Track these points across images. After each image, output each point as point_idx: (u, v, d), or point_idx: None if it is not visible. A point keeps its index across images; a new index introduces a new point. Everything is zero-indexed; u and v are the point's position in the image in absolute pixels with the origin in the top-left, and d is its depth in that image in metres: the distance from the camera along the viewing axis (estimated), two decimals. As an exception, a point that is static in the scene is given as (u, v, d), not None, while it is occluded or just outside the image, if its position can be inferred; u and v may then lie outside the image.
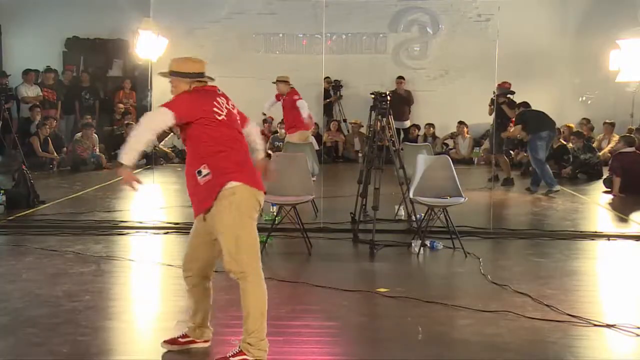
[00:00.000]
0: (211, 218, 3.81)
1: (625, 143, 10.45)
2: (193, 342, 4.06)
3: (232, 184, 3.77)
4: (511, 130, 10.60)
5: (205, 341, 4.09)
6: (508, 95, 10.62)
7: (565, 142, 12.34)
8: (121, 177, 3.82)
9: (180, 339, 4.06)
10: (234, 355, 3.78)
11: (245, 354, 3.77)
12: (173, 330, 4.33)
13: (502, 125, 10.61)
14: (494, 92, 10.41)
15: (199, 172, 3.80)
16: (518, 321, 4.58)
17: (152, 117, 3.83)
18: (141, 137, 3.74)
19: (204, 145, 3.80)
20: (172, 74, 3.92)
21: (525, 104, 10.37)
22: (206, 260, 3.98)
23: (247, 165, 3.90)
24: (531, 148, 10.08)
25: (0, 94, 10.88)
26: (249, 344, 3.78)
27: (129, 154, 3.73)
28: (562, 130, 12.56)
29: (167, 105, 3.77)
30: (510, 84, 10.76)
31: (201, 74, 3.91)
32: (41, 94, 13.06)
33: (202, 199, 3.84)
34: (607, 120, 13.49)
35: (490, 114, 10.55)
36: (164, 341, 4.06)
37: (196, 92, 3.87)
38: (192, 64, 3.91)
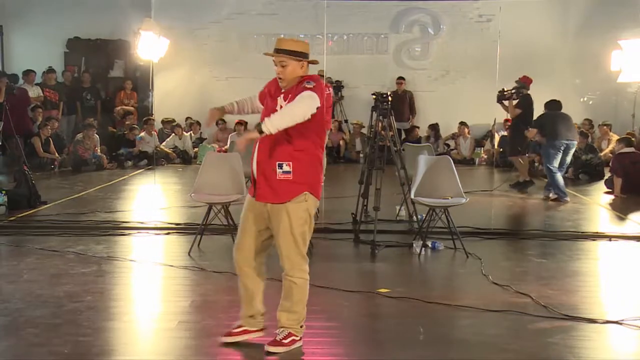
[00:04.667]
0: (276, 213, 3.91)
1: (625, 144, 10.42)
2: (246, 332, 4.15)
3: (308, 197, 3.91)
4: (529, 131, 10.38)
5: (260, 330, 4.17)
6: (520, 90, 10.16)
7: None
8: (243, 139, 3.77)
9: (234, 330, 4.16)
10: (284, 337, 4.02)
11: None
12: (174, 331, 4.34)
13: (520, 126, 10.24)
14: (506, 91, 10.20)
15: (280, 166, 3.84)
16: (519, 322, 4.58)
17: (309, 104, 3.73)
18: (294, 119, 3.71)
19: (300, 139, 3.83)
20: (288, 52, 3.87)
21: (551, 104, 9.84)
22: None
23: (320, 176, 4.01)
24: (544, 154, 9.85)
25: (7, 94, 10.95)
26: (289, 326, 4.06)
27: (274, 127, 3.68)
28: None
29: (313, 90, 3.74)
30: (527, 78, 10.45)
31: (308, 55, 3.93)
32: (42, 94, 13.05)
33: (267, 191, 3.88)
34: (602, 122, 13.46)
35: (513, 115, 10.25)
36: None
37: (318, 77, 3.92)
38: (304, 45, 3.93)
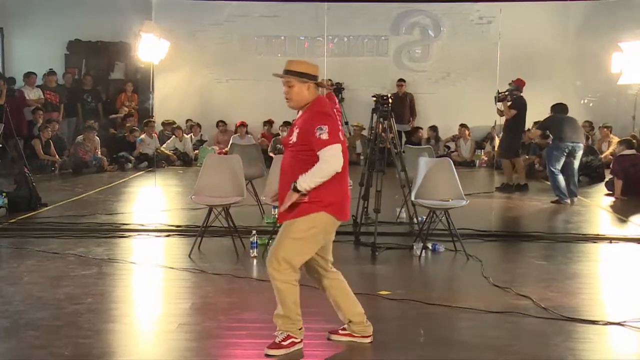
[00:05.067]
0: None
1: (626, 146, 10.42)
2: (351, 335, 4.22)
3: (321, 214, 3.92)
4: (531, 132, 10.38)
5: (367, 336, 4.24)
6: (513, 92, 10.24)
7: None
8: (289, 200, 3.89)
9: (340, 331, 4.27)
10: (283, 340, 4.06)
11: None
12: (174, 333, 4.34)
13: (514, 128, 10.41)
14: (500, 93, 10.25)
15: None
16: (520, 324, 4.58)
17: (335, 156, 3.84)
18: (323, 177, 3.83)
19: (316, 160, 3.85)
20: (294, 74, 3.95)
21: (558, 107, 9.85)
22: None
23: (342, 194, 4.00)
24: (547, 155, 9.91)
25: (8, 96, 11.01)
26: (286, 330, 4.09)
27: (309, 185, 3.82)
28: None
29: (332, 140, 3.81)
30: (521, 81, 10.48)
31: (317, 77, 4.00)
32: (43, 96, 13.06)
33: (289, 210, 3.95)
34: (603, 124, 13.49)
35: (509, 116, 10.29)
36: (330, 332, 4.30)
37: (325, 103, 3.97)
38: (312, 67, 4.00)
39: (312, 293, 5.20)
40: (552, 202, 9.41)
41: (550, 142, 9.72)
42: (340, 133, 3.95)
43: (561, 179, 9.37)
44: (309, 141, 3.86)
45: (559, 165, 9.40)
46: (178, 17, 14.17)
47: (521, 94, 10.26)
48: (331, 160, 3.82)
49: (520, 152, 10.57)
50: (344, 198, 4.05)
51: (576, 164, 9.57)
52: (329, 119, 3.89)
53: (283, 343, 4.02)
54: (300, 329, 4.08)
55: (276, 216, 4.16)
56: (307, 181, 3.82)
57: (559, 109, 9.81)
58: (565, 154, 9.41)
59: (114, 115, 14.27)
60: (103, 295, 5.16)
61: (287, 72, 3.99)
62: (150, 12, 13.62)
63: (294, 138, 3.97)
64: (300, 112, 4.04)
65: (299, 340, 4.07)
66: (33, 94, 12.96)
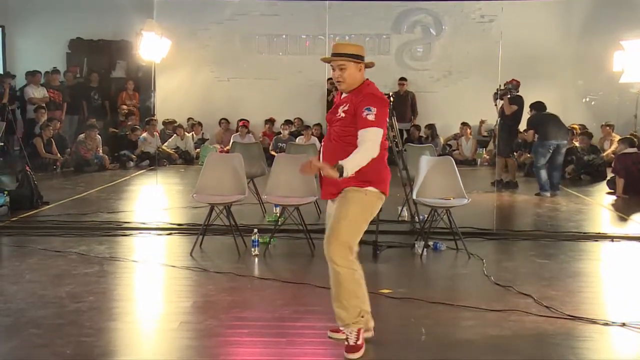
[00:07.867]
0: (338, 200, 3.99)
1: (627, 144, 10.42)
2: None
3: (369, 190, 3.93)
4: (525, 135, 10.72)
5: (367, 331, 4.11)
6: (511, 91, 10.41)
7: (574, 143, 12.29)
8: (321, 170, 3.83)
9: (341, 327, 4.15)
10: (357, 338, 3.95)
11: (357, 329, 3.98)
12: (176, 331, 4.35)
13: (512, 126, 10.56)
14: (500, 89, 10.34)
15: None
16: (521, 322, 4.58)
17: (375, 142, 3.83)
18: (365, 160, 3.80)
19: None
20: (348, 56, 3.93)
21: (538, 105, 10.22)
22: None
23: (383, 172, 4.00)
24: (534, 151, 10.40)
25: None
26: (353, 323, 3.95)
27: (352, 171, 3.75)
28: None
29: (377, 124, 3.83)
30: (517, 81, 10.57)
31: (364, 58, 3.98)
32: (47, 95, 13.08)
33: (332, 190, 3.99)
34: (605, 122, 13.50)
35: (509, 112, 10.39)
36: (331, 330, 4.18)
37: (377, 89, 3.96)
38: (361, 48, 3.99)
39: (313, 291, 5.22)
40: (535, 194, 9.90)
41: (537, 140, 10.16)
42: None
43: (544, 173, 9.91)
44: (354, 119, 3.86)
45: (544, 161, 9.91)
46: (179, 15, 14.17)
47: (518, 93, 10.38)
48: (369, 143, 3.80)
49: (515, 151, 10.79)
50: (385, 178, 4.02)
51: (560, 159, 10.07)
52: (381, 103, 3.89)
53: (358, 342, 3.95)
54: (363, 316, 4.00)
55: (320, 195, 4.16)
56: (350, 167, 3.73)
57: (538, 106, 10.23)
58: (550, 152, 9.88)
59: (124, 107, 14.28)
60: (105, 293, 5.17)
61: (341, 55, 3.94)
62: (152, 10, 13.61)
63: (341, 114, 3.95)
64: (345, 95, 4.02)
65: (364, 328, 4.02)
66: (38, 93, 12.97)
